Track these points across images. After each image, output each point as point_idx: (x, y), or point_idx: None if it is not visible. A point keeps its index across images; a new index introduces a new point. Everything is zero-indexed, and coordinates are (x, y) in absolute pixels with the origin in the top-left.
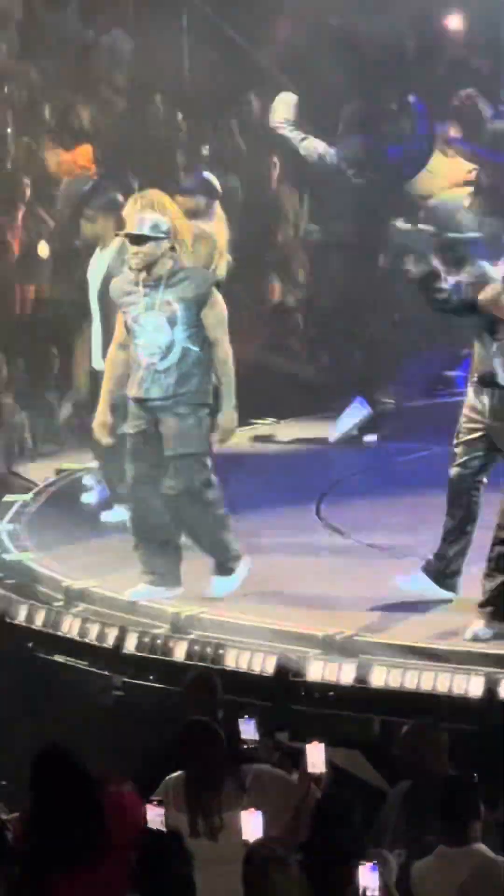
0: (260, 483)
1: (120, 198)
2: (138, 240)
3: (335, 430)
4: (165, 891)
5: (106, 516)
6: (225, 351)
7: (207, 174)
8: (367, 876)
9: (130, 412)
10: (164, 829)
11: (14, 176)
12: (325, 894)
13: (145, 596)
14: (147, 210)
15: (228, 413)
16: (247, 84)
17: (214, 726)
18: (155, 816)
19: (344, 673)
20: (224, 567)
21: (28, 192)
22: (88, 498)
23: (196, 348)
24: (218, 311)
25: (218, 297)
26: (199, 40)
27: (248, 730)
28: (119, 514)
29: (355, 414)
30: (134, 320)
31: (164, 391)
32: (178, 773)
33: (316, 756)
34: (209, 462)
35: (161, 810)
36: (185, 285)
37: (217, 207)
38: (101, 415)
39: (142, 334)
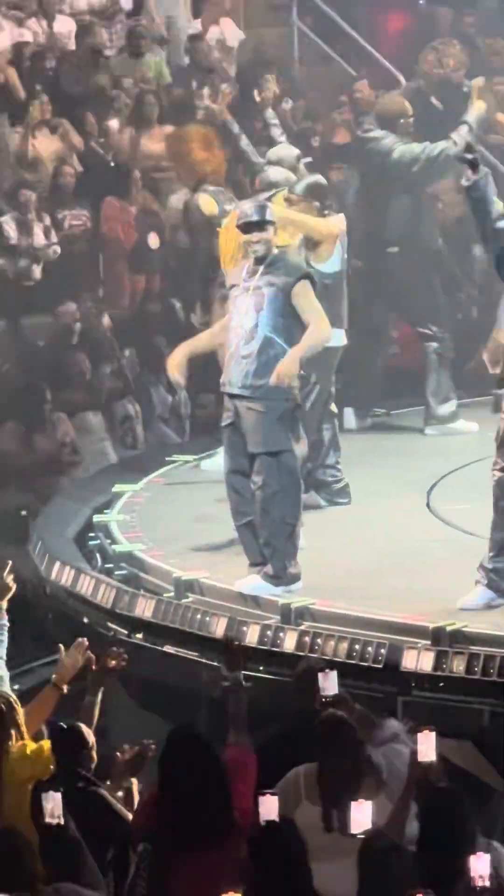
0: (369, 473)
1: (325, 181)
2: (259, 226)
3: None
4: (279, 881)
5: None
6: (318, 326)
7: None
8: (479, 865)
9: (224, 405)
10: (276, 818)
11: (125, 168)
12: (438, 884)
13: (257, 590)
14: (249, 202)
15: (289, 358)
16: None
17: (350, 722)
18: (269, 808)
19: (453, 664)
20: (276, 578)
21: (140, 183)
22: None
23: (280, 341)
24: (309, 300)
25: (306, 288)
26: (309, 30)
27: (329, 685)
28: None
29: None
30: (233, 302)
31: (243, 378)
32: (311, 764)
33: (427, 744)
34: (293, 461)
35: (275, 801)
36: (277, 272)
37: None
38: (177, 355)
39: (235, 315)
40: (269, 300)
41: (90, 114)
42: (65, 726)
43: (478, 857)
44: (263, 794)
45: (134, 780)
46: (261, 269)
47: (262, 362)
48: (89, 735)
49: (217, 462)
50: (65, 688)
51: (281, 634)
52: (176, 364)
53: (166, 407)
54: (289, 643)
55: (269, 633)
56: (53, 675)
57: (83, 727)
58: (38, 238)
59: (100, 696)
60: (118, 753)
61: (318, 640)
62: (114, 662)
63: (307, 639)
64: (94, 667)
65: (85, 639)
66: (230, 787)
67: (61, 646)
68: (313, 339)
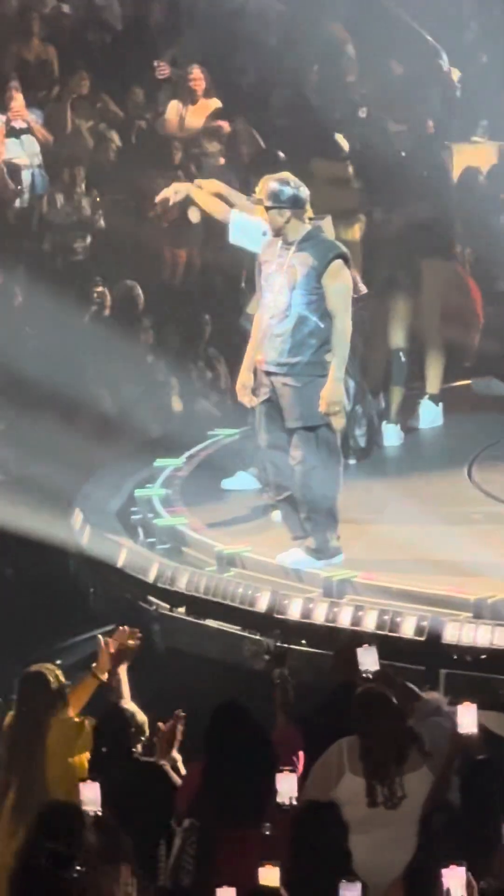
0: (409, 447)
1: None
2: (266, 208)
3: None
4: (319, 860)
5: (227, 484)
6: (343, 323)
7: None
8: None
9: (260, 380)
10: (296, 796)
11: (167, 142)
12: (478, 855)
13: (299, 564)
14: (272, 180)
15: (332, 384)
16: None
17: (390, 696)
18: (287, 786)
19: (496, 636)
20: (318, 552)
21: (179, 156)
22: None
23: (314, 318)
24: (340, 283)
25: (341, 269)
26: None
27: (370, 660)
28: (242, 481)
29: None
30: (265, 279)
31: (277, 356)
32: (354, 736)
33: (468, 717)
34: (331, 435)
35: (294, 779)
36: (310, 252)
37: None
38: (242, 375)
39: (268, 293)
40: (302, 279)
41: (132, 88)
42: (108, 710)
43: None
44: (281, 772)
45: (178, 756)
46: (294, 245)
47: (296, 340)
48: (137, 713)
49: (238, 481)
50: (104, 676)
51: (322, 608)
52: (243, 385)
53: (206, 381)
54: (331, 617)
55: (310, 606)
56: (94, 664)
57: (126, 707)
58: (86, 212)
59: (124, 673)
60: (160, 725)
61: (361, 614)
62: (131, 642)
63: (349, 612)
64: (111, 649)
65: (126, 627)
66: (276, 767)
67: (100, 637)
68: (343, 348)
